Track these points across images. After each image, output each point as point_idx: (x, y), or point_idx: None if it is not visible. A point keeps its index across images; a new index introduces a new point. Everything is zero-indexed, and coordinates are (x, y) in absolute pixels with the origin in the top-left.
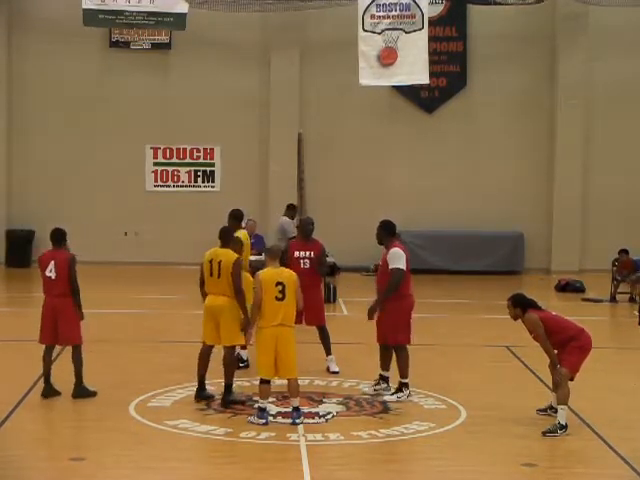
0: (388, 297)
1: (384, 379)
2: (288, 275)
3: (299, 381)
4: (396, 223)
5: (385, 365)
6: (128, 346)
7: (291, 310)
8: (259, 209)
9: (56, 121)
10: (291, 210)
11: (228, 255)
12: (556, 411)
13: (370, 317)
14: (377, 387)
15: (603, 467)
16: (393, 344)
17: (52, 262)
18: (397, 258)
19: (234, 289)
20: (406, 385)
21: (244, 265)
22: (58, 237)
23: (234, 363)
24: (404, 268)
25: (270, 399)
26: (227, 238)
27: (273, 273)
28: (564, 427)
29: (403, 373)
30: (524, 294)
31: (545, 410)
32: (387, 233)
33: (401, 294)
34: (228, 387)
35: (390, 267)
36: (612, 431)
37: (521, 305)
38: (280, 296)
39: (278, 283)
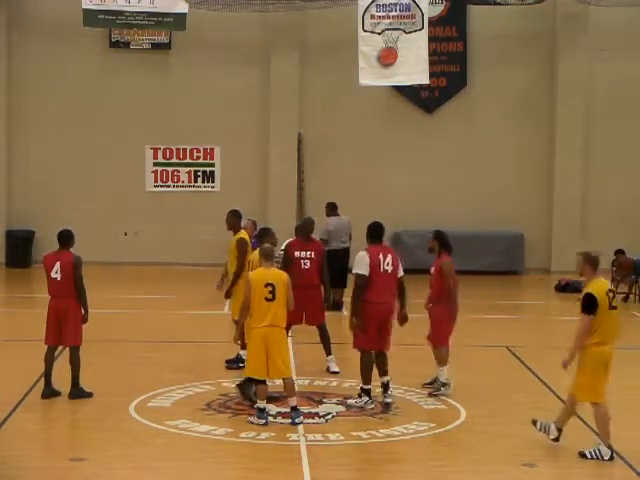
0: (355, 303)
1: (382, 386)
2: (278, 275)
3: (299, 381)
4: (396, 223)
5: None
6: (128, 346)
7: (281, 311)
8: (259, 209)
9: (56, 121)
10: (335, 209)
11: (253, 256)
12: (443, 385)
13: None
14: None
15: (603, 467)
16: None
17: (57, 263)
18: (356, 262)
19: None
20: (366, 392)
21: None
22: (65, 238)
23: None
24: (360, 272)
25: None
26: (259, 238)
27: (263, 273)
28: (445, 385)
29: (361, 378)
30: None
31: (431, 383)
32: (369, 236)
33: (363, 299)
34: (248, 379)
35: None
36: (611, 431)
37: (442, 242)
38: (270, 297)
39: (268, 284)
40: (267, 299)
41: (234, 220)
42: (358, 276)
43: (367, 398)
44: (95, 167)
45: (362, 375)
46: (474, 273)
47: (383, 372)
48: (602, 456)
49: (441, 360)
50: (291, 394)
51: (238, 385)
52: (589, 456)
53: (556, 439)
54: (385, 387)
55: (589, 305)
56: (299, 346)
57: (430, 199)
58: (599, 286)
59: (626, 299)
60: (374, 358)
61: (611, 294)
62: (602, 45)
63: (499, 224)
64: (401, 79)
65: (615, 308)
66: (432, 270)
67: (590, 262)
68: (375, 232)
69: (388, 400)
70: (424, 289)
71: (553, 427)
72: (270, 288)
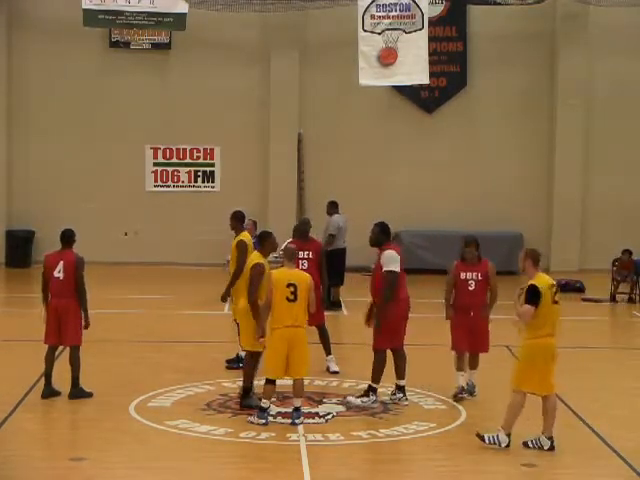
0: (387, 299)
1: (399, 388)
2: (301, 276)
3: None
4: (396, 223)
5: (397, 372)
6: (128, 346)
7: (303, 311)
8: (259, 209)
9: (56, 121)
10: (337, 207)
11: (250, 259)
12: (470, 393)
13: (366, 324)
14: (393, 397)
15: (603, 467)
16: (372, 348)
17: (60, 263)
18: (391, 260)
19: (247, 293)
20: (373, 390)
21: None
22: (67, 237)
23: (249, 367)
24: (398, 270)
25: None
26: (259, 241)
27: (286, 273)
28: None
29: (372, 377)
30: None
31: (460, 394)
32: (384, 235)
33: (396, 297)
34: (245, 391)
35: (384, 270)
36: (611, 431)
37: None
38: (292, 297)
39: (290, 284)
40: (288, 299)
41: (234, 222)
42: (392, 273)
43: (375, 397)
44: (95, 167)
45: (376, 373)
46: None
47: (403, 374)
48: (499, 443)
49: (477, 364)
50: (298, 395)
51: (240, 404)
52: (487, 440)
53: (551, 448)
54: (403, 390)
55: (533, 297)
56: None
57: (430, 199)
58: (542, 280)
59: (629, 300)
60: (395, 359)
61: (553, 289)
62: (602, 45)
63: (499, 224)
64: (401, 79)
65: (557, 303)
66: (470, 276)
67: (531, 257)
68: (389, 231)
69: (406, 403)
70: (424, 289)
71: (544, 439)
72: (292, 288)
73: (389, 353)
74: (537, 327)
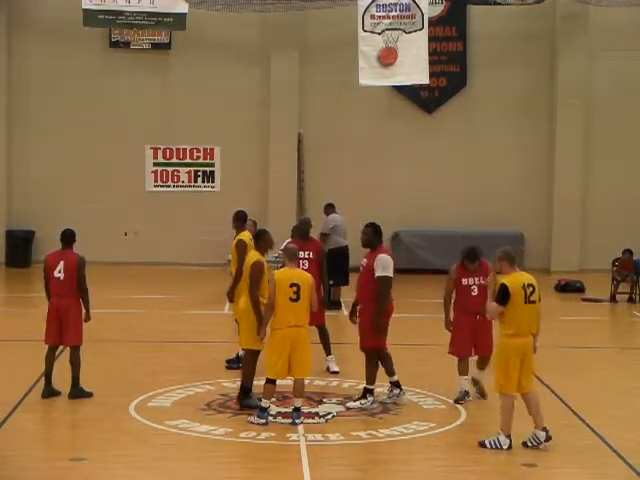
0: (384, 306)
1: (394, 385)
2: (303, 276)
3: None
4: (396, 223)
5: (387, 371)
6: (128, 346)
7: (305, 311)
8: (259, 209)
9: (56, 121)
10: (334, 208)
11: (249, 257)
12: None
13: (351, 320)
14: (390, 395)
15: (602, 467)
16: (360, 348)
17: (61, 263)
18: (387, 265)
19: (248, 291)
20: (370, 391)
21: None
22: (68, 237)
23: (249, 367)
24: (391, 275)
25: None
26: (255, 240)
27: (288, 274)
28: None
29: (366, 379)
30: None
31: (462, 399)
32: (377, 236)
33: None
34: (245, 391)
35: (377, 275)
36: (612, 431)
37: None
38: (295, 297)
39: (293, 284)
40: (292, 299)
41: (235, 221)
42: (388, 278)
43: (372, 398)
44: (95, 167)
45: (371, 375)
46: None
47: (392, 372)
48: (501, 445)
49: (486, 365)
50: (299, 395)
51: (240, 403)
52: (489, 445)
53: (547, 439)
54: (397, 385)
55: (502, 296)
56: None
57: (430, 199)
58: (514, 279)
59: (629, 300)
60: (382, 359)
61: (530, 288)
62: (602, 45)
63: (499, 224)
64: (401, 79)
65: (533, 302)
66: (472, 281)
67: (506, 258)
68: (381, 232)
69: (405, 398)
70: (424, 289)
71: (538, 433)
72: (295, 288)
73: None
74: (508, 326)
